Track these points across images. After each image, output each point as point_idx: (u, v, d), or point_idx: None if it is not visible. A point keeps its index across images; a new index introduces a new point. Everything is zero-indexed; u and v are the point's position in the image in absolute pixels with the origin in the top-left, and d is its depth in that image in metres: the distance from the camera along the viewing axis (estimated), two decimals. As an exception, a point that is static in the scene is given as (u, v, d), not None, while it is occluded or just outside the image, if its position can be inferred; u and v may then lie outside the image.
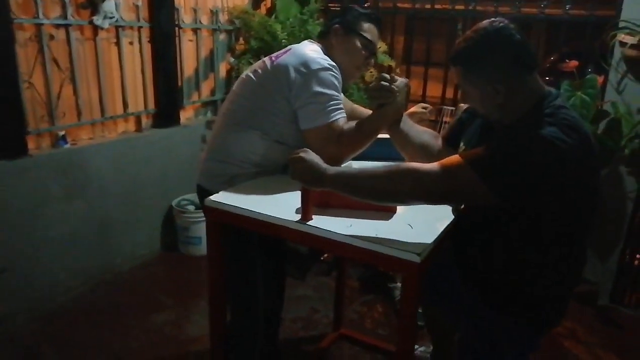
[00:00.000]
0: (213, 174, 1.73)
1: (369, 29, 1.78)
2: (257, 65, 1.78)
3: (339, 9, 3.55)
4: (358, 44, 1.76)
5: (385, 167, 1.31)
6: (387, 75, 1.58)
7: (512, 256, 1.37)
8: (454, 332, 1.86)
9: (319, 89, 1.59)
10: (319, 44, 1.78)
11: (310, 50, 1.70)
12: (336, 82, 1.64)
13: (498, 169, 1.22)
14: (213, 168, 1.74)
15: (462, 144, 1.55)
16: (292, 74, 1.62)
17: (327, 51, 1.73)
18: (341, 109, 1.65)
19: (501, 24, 1.30)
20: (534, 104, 1.31)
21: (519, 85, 1.31)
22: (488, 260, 1.41)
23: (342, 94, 1.73)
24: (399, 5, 3.40)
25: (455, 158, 1.28)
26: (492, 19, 1.33)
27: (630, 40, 2.42)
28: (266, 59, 1.76)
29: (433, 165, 1.28)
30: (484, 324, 1.45)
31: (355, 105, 2.09)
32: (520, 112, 1.32)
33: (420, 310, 2.46)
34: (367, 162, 1.77)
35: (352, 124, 1.64)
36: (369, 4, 3.58)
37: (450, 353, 1.91)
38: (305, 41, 1.83)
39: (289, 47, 1.77)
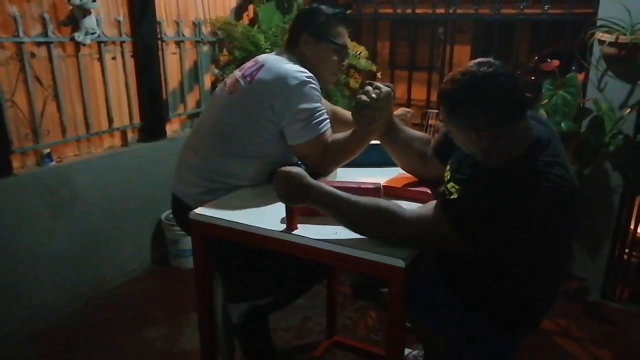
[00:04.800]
0: (201, 198, 1.67)
1: (339, 33, 1.73)
2: (231, 85, 1.72)
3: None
4: (330, 50, 1.73)
5: (370, 202, 1.31)
6: (368, 98, 1.54)
7: (491, 271, 1.38)
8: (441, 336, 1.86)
9: (301, 105, 1.59)
10: (288, 54, 1.74)
11: (284, 63, 1.66)
12: (317, 93, 1.63)
13: (474, 227, 1.22)
14: (204, 192, 1.69)
15: (448, 166, 1.53)
16: (272, 94, 1.60)
17: (299, 61, 1.70)
18: (326, 119, 1.65)
19: (490, 69, 1.22)
20: (523, 152, 1.27)
21: (505, 133, 1.26)
22: (469, 269, 1.42)
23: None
24: (381, 11, 3.42)
25: (433, 207, 1.28)
26: (482, 60, 1.26)
27: (608, 38, 2.45)
28: (239, 77, 1.71)
29: (412, 213, 1.29)
30: (467, 328, 1.46)
31: (337, 108, 2.06)
32: (506, 157, 1.28)
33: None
34: (356, 168, 1.77)
35: (340, 136, 1.65)
36: (351, 10, 3.60)
37: (442, 355, 1.91)
38: (274, 54, 1.78)
39: (261, 61, 1.71)
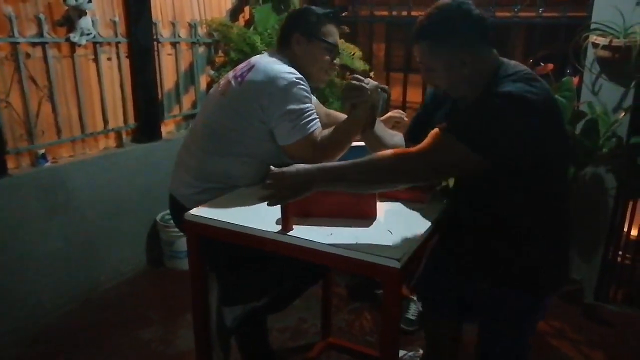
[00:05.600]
0: (196, 198, 1.69)
1: (330, 32, 1.77)
2: (224, 85, 1.75)
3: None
4: (322, 49, 1.76)
5: (374, 156, 1.34)
6: (359, 77, 1.61)
7: (504, 227, 1.40)
8: (450, 338, 1.87)
9: (290, 106, 1.60)
10: (280, 55, 1.76)
11: (274, 64, 1.68)
12: (305, 94, 1.65)
13: (477, 129, 1.27)
14: (199, 192, 1.71)
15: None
16: (261, 95, 1.62)
17: (290, 61, 1.72)
18: (315, 119, 1.66)
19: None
20: (493, 74, 1.37)
21: (482, 57, 1.37)
22: (482, 240, 1.45)
23: (314, 98, 1.73)
24: (377, 13, 3.43)
25: (433, 133, 1.31)
26: None
27: (602, 41, 2.47)
28: (231, 78, 1.74)
29: (417, 148, 1.32)
30: (493, 305, 1.49)
31: (330, 111, 2.10)
32: (484, 83, 1.37)
33: (411, 317, 2.50)
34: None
35: (327, 132, 1.66)
36: (346, 12, 3.61)
37: (446, 356, 1.91)
38: (266, 54, 1.80)
39: (252, 62, 1.74)
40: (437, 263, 1.67)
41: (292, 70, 1.66)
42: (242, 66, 1.76)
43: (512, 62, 1.41)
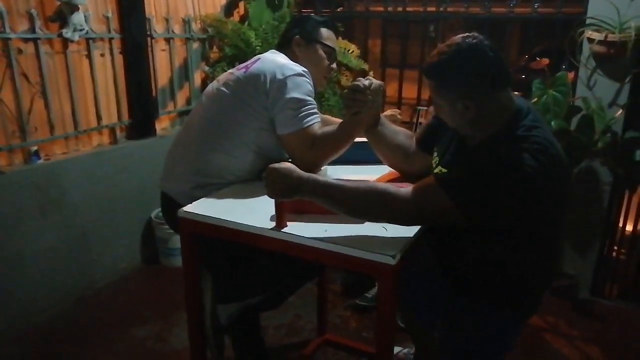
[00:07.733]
0: (192, 193, 1.67)
1: (328, 36, 1.84)
2: (225, 78, 1.77)
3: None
4: (321, 52, 1.82)
5: (364, 186, 1.32)
6: (361, 84, 1.58)
7: (487, 252, 1.39)
8: (433, 332, 1.87)
9: (294, 94, 1.62)
10: (283, 54, 1.80)
11: (282, 58, 1.73)
12: (310, 87, 1.67)
13: (471, 195, 1.24)
14: (194, 187, 1.70)
15: (435, 153, 1.55)
16: (268, 81, 1.63)
17: (292, 61, 1.74)
18: (316, 113, 1.67)
19: (474, 40, 1.28)
20: (506, 122, 1.31)
21: (490, 102, 1.31)
22: (465, 256, 1.43)
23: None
24: (372, 8, 3.42)
25: (428, 182, 1.30)
26: (467, 34, 1.31)
27: (597, 36, 2.46)
28: (234, 71, 1.77)
29: (408, 191, 1.31)
30: (465, 318, 1.47)
31: (325, 116, 2.10)
32: (492, 129, 1.32)
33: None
34: (344, 166, 1.78)
35: (328, 129, 1.66)
36: (342, 8, 3.60)
37: (433, 352, 1.91)
38: (270, 51, 1.85)
39: (256, 57, 1.79)
40: (419, 265, 1.65)
41: (298, 64, 1.70)
42: (246, 62, 1.80)
43: (531, 113, 1.33)
